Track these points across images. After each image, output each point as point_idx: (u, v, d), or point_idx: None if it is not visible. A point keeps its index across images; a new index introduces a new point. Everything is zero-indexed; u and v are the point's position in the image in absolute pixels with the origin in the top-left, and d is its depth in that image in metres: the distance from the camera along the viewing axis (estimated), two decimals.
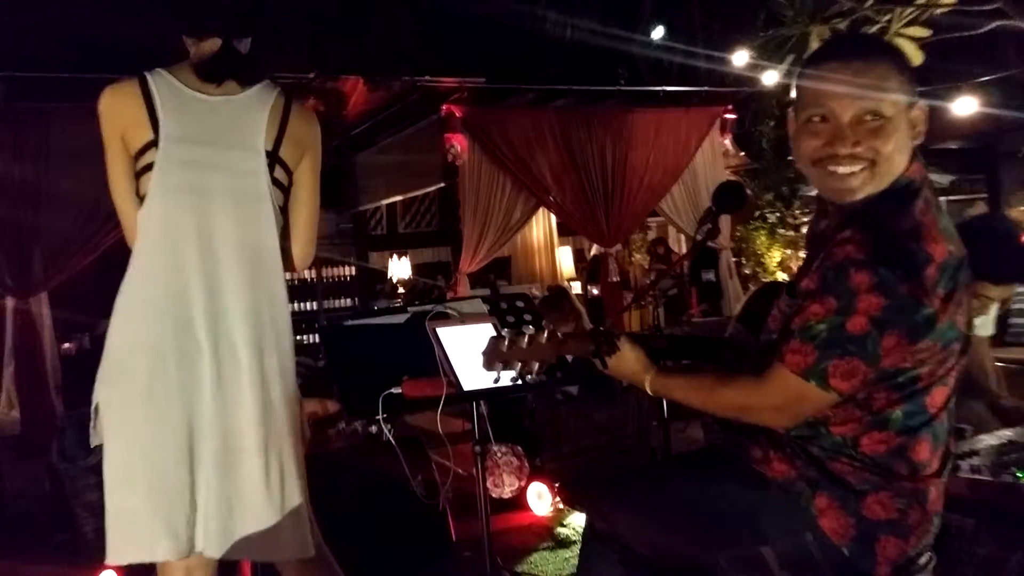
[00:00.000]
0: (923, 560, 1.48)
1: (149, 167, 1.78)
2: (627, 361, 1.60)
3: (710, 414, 1.61)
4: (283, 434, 1.83)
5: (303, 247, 1.97)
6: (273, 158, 1.86)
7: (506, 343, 1.64)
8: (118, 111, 1.80)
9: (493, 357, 1.66)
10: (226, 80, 1.84)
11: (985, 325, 2.79)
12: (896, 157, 1.40)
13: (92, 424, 1.78)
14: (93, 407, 1.78)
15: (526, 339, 1.64)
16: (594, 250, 9.81)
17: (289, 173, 1.91)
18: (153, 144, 1.77)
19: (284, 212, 1.92)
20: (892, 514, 1.42)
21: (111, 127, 1.81)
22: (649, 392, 1.60)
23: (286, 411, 1.84)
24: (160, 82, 1.80)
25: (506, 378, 1.68)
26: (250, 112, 1.85)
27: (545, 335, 1.65)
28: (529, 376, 1.66)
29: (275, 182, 1.87)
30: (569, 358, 2.62)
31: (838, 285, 1.32)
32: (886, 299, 1.28)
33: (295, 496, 1.82)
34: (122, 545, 1.73)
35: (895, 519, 1.42)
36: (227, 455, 1.75)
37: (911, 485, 1.42)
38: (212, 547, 1.74)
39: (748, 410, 1.47)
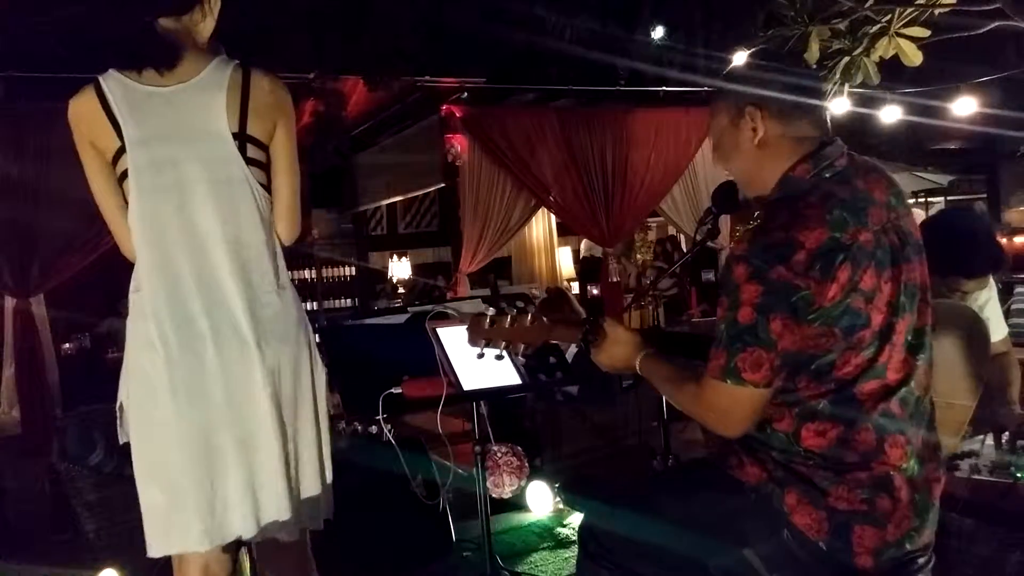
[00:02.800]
0: (922, 560, 1.49)
1: (127, 173, 1.79)
2: (618, 344, 1.67)
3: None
4: (302, 413, 1.86)
5: (288, 220, 1.92)
6: (242, 138, 1.81)
7: (487, 321, 1.73)
8: (83, 121, 1.81)
9: (475, 334, 1.75)
10: (144, 68, 1.78)
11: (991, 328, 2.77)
12: (748, 167, 1.60)
13: (119, 422, 1.84)
14: (118, 405, 1.83)
15: (508, 319, 1.73)
16: (583, 251, 9.84)
17: (264, 148, 1.86)
18: (123, 150, 1.77)
19: (269, 189, 1.89)
20: (858, 505, 1.44)
21: (80, 138, 1.82)
22: (639, 372, 1.66)
23: (309, 385, 1.87)
24: (113, 84, 1.78)
25: (491, 355, 1.76)
26: (207, 96, 1.79)
27: (528, 318, 1.74)
28: (516, 356, 1.75)
29: (251, 161, 1.83)
30: (569, 357, 2.63)
31: (727, 283, 1.44)
32: (761, 286, 1.39)
33: (309, 472, 1.87)
34: (157, 538, 1.79)
35: (864, 510, 1.44)
36: (246, 440, 1.78)
37: (866, 475, 1.44)
38: (247, 530, 1.79)
39: (698, 417, 1.54)
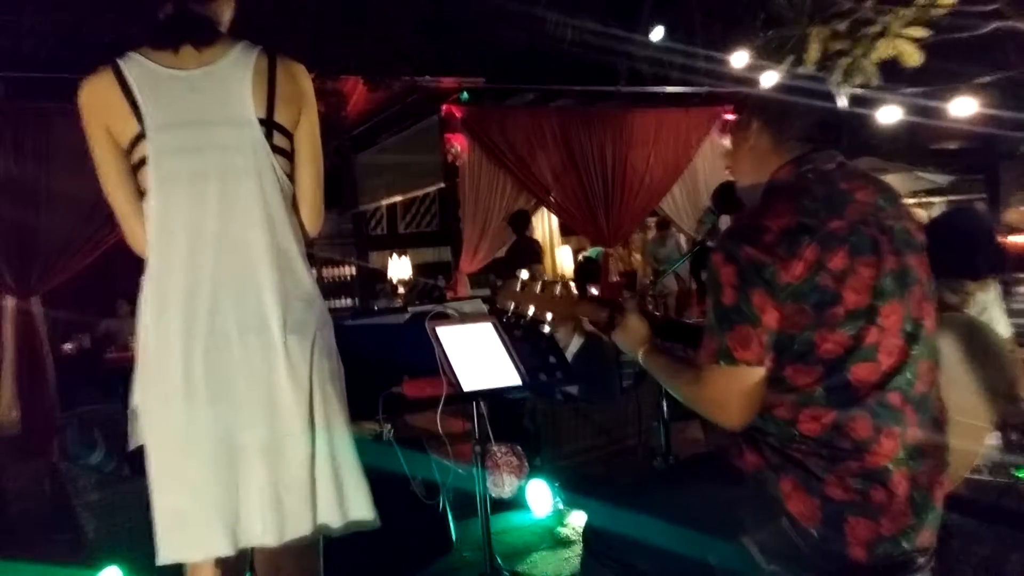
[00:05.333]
0: (922, 560, 1.49)
1: (144, 161, 1.70)
2: (631, 331, 1.78)
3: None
4: (330, 413, 1.77)
5: (312, 211, 1.84)
6: (269, 125, 1.73)
7: (519, 284, 1.80)
8: (98, 104, 1.70)
9: (506, 295, 1.81)
10: (182, 45, 1.70)
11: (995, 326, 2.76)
12: (738, 165, 1.74)
13: (131, 426, 1.76)
14: (131, 409, 1.74)
15: (540, 285, 1.81)
16: (580, 255, 9.86)
17: (289, 136, 1.78)
18: (142, 135, 1.68)
19: (292, 179, 1.80)
20: (853, 496, 1.45)
21: (94, 122, 1.71)
22: (640, 362, 1.76)
23: (332, 385, 1.78)
24: (133, 66, 1.69)
25: (511, 330, 1.79)
26: (232, 81, 1.71)
27: (559, 287, 1.82)
28: (540, 324, 1.81)
29: (277, 150, 1.75)
30: (569, 357, 2.63)
31: (709, 274, 1.54)
32: (735, 266, 1.48)
33: (339, 475, 1.77)
34: (173, 546, 1.69)
35: (858, 501, 1.45)
36: (272, 442, 1.70)
37: (858, 465, 1.45)
38: (269, 538, 1.70)
39: (698, 407, 1.59)
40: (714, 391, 1.52)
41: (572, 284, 8.66)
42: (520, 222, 7.02)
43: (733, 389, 1.50)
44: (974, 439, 2.08)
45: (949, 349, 2.11)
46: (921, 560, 1.49)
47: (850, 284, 1.46)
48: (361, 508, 1.82)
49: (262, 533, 1.71)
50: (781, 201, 1.53)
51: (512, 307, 1.81)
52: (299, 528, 1.73)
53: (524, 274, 1.80)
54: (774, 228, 1.47)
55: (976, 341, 2.15)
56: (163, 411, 1.70)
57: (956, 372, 2.10)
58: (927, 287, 1.57)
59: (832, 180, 1.57)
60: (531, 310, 1.79)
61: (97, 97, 1.70)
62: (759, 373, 1.48)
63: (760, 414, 1.53)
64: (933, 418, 1.54)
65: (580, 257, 9.74)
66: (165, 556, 1.70)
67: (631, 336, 1.78)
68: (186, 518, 1.69)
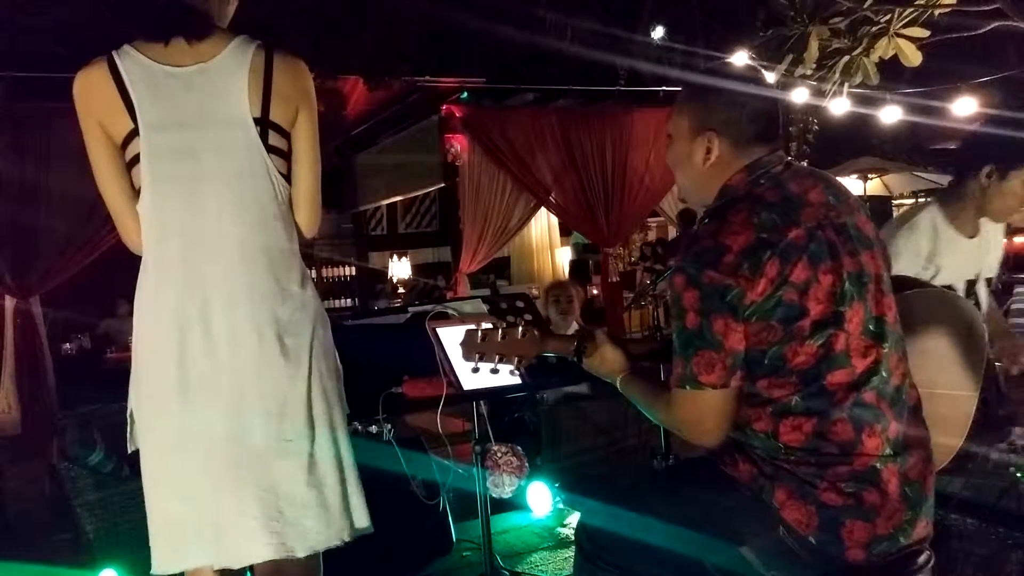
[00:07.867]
0: (921, 559, 1.49)
1: (138, 158, 1.67)
2: (606, 362, 1.76)
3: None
4: (332, 410, 1.76)
5: (309, 211, 1.80)
6: (264, 124, 1.69)
7: (479, 336, 1.78)
8: (91, 98, 1.66)
9: (469, 349, 1.79)
10: (172, 37, 1.66)
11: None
12: (694, 180, 1.66)
13: (128, 430, 1.74)
14: (128, 413, 1.73)
15: (499, 333, 1.78)
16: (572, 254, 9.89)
17: (286, 136, 1.73)
18: (135, 133, 1.65)
19: (289, 179, 1.77)
20: (847, 499, 1.45)
21: (87, 115, 1.67)
22: (619, 389, 1.75)
23: (330, 385, 1.77)
24: (129, 62, 1.65)
25: (486, 369, 1.79)
26: (228, 78, 1.67)
27: (520, 331, 1.78)
28: (511, 369, 1.81)
29: (272, 149, 1.71)
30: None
31: (672, 295, 1.52)
32: (698, 291, 1.47)
33: (344, 478, 1.76)
34: (167, 554, 1.68)
35: (852, 504, 1.45)
36: (269, 449, 1.67)
37: (848, 468, 1.46)
38: (260, 548, 1.67)
39: (674, 429, 1.61)
40: (685, 414, 1.54)
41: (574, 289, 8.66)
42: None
43: (703, 411, 1.52)
44: (966, 408, 2.09)
45: (943, 332, 2.11)
46: (920, 555, 1.49)
47: (813, 295, 1.46)
48: (359, 511, 1.81)
49: (261, 543, 1.67)
50: (735, 215, 1.51)
51: (478, 359, 1.79)
52: (300, 534, 1.70)
53: (483, 325, 1.80)
54: (735, 247, 1.45)
55: (972, 329, 2.15)
56: (157, 415, 1.68)
57: (947, 353, 2.10)
58: (883, 281, 1.57)
59: (783, 184, 1.56)
60: (497, 359, 1.78)
61: (91, 91, 1.67)
62: (726, 393, 1.49)
63: (741, 428, 1.53)
64: (910, 408, 1.55)
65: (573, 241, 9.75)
66: (159, 566, 1.68)
67: (606, 366, 1.76)
68: (182, 527, 1.66)
